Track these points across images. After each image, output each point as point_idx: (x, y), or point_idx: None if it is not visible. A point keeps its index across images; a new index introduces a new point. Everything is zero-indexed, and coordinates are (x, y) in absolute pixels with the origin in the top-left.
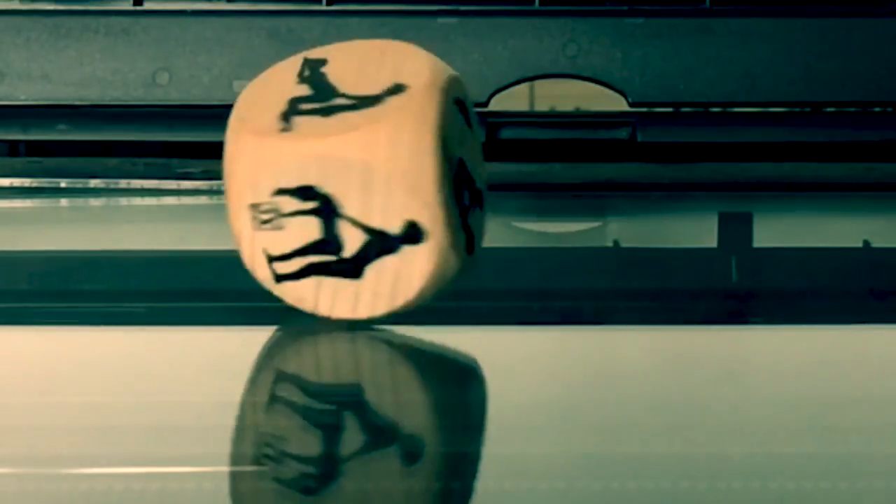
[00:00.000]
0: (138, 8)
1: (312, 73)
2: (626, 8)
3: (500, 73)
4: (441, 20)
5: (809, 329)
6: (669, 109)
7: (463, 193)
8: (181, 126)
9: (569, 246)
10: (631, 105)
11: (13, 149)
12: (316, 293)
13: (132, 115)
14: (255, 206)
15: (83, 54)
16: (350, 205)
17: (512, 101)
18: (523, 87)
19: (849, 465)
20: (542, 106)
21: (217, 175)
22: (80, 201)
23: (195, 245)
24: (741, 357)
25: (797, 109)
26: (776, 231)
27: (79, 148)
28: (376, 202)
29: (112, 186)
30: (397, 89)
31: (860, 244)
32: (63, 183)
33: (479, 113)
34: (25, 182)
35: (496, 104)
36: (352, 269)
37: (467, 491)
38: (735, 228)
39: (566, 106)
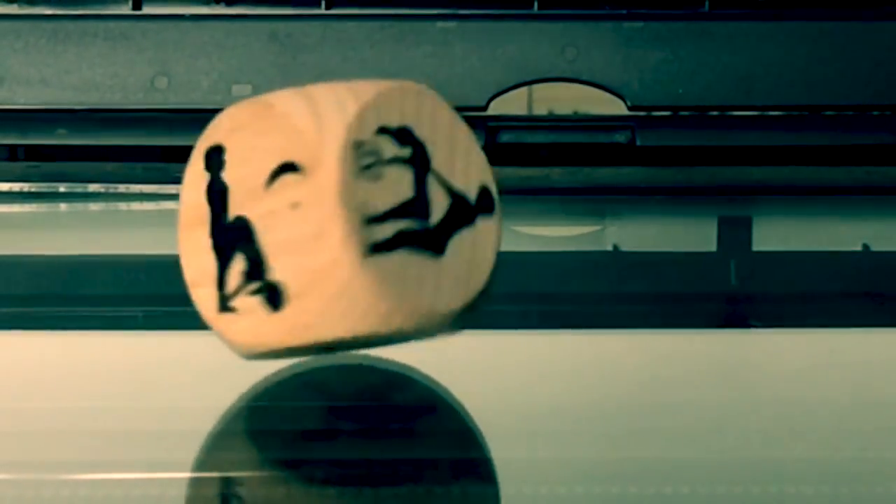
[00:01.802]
0: (137, 12)
1: None
2: (624, 11)
3: (498, 76)
4: (440, 24)
5: (809, 333)
6: (668, 113)
7: None
8: (180, 130)
9: (568, 250)
10: (630, 109)
11: (12, 153)
12: (403, 274)
13: (131, 119)
14: (359, 146)
15: (82, 59)
16: (438, 159)
17: (510, 104)
18: (521, 91)
19: (849, 468)
20: (540, 109)
21: None
22: (78, 205)
23: None
24: (741, 361)
25: (796, 113)
26: (775, 235)
27: (78, 152)
28: (459, 160)
29: (111, 191)
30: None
31: (860, 248)
32: (62, 187)
33: (477, 117)
34: (24, 186)
35: (494, 107)
36: (438, 241)
37: (465, 495)
38: (734, 232)
39: (564, 109)
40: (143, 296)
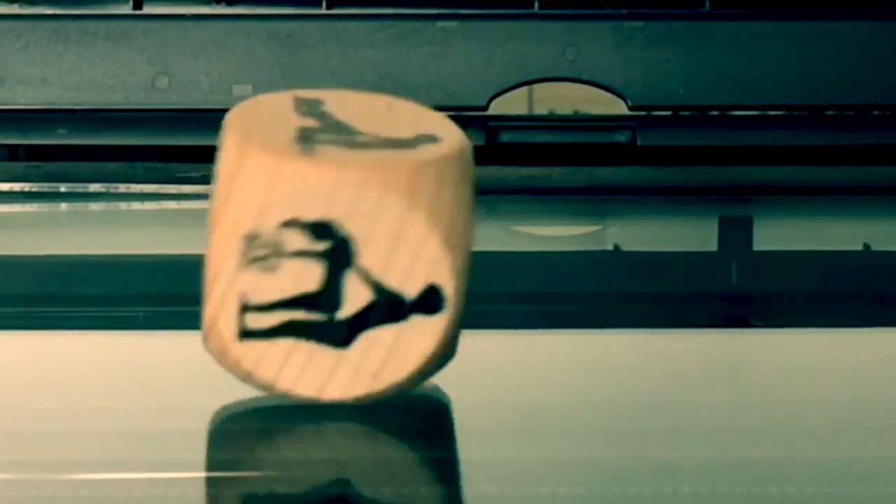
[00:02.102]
0: (138, 12)
1: (313, 109)
2: (625, 11)
3: (499, 76)
4: (441, 23)
5: (810, 332)
6: (669, 113)
7: None
8: (181, 130)
9: (568, 250)
10: (630, 108)
11: (13, 153)
12: (282, 360)
13: (132, 119)
14: (251, 238)
15: (83, 58)
16: (369, 254)
17: (510, 104)
18: (522, 90)
19: (850, 468)
20: (540, 109)
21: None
22: (79, 205)
23: (195, 249)
24: (742, 361)
25: (797, 113)
26: (776, 234)
27: (78, 152)
28: (402, 256)
29: (112, 191)
30: (428, 139)
31: (860, 247)
32: (63, 187)
33: (478, 117)
34: (25, 186)
35: (495, 107)
36: (341, 334)
37: (465, 496)
38: (735, 232)
39: (565, 109)
40: (143, 296)
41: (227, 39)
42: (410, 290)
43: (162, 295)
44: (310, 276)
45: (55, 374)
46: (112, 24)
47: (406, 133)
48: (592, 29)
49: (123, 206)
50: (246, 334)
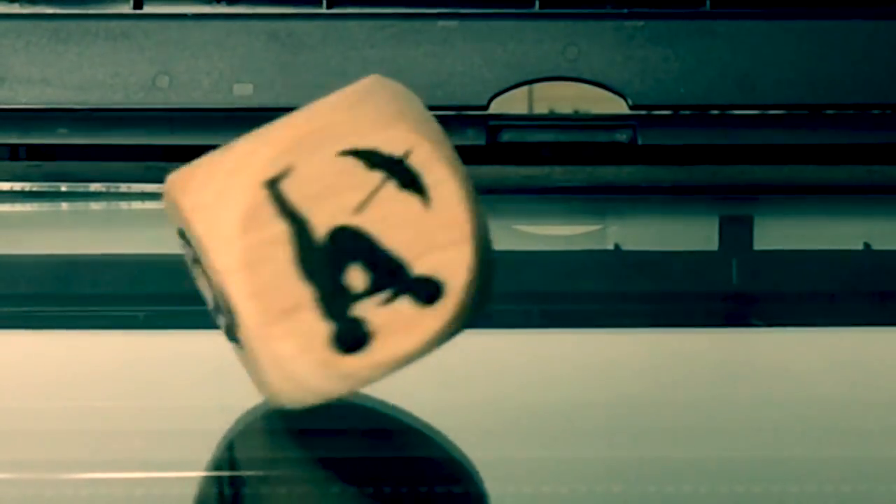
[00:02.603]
0: (138, 11)
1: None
2: (626, 10)
3: (500, 76)
4: (441, 23)
5: (811, 332)
6: (669, 112)
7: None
8: (181, 129)
9: (569, 249)
10: (631, 108)
11: (14, 152)
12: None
13: (132, 118)
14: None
15: (83, 58)
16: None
17: (511, 103)
18: (522, 90)
19: (851, 467)
20: (541, 108)
21: None
22: (80, 205)
23: None
24: (742, 360)
25: (797, 112)
26: (777, 233)
27: (79, 151)
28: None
29: (112, 190)
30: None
31: (861, 247)
32: (63, 186)
33: (479, 116)
34: (26, 186)
35: (495, 106)
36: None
37: (466, 495)
38: (736, 231)
39: (565, 108)
40: (144, 295)
41: (227, 39)
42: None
43: (163, 294)
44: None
45: (56, 373)
46: (113, 23)
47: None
48: (593, 28)
49: (124, 205)
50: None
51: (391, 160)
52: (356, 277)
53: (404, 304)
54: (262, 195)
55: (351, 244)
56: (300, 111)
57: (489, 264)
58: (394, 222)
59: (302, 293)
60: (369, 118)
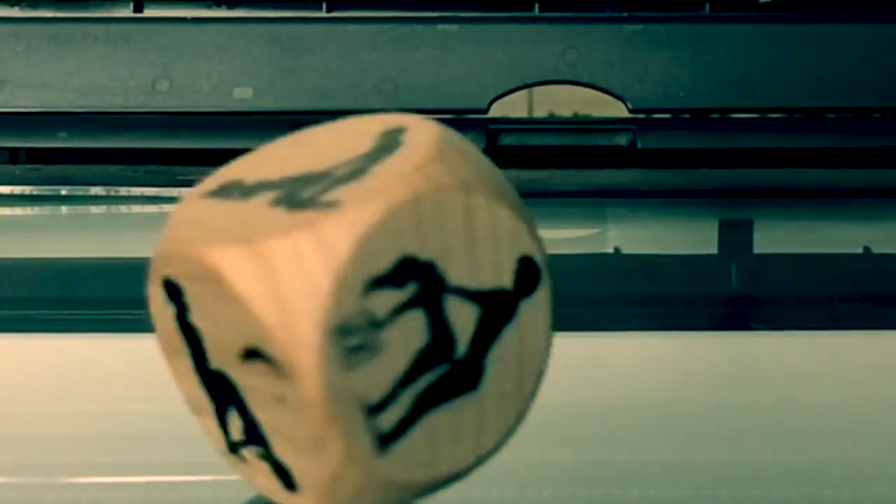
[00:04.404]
0: (138, 15)
1: (230, 186)
2: (625, 14)
3: (500, 79)
4: (441, 27)
5: (810, 335)
6: (669, 115)
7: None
8: (181, 133)
9: (569, 252)
10: (631, 111)
11: (14, 156)
12: (432, 448)
13: (132, 122)
14: (342, 331)
15: (83, 61)
16: (456, 263)
17: (510, 106)
18: (522, 93)
19: (851, 471)
20: (540, 111)
21: None
22: (80, 209)
23: None
24: (741, 363)
25: (797, 115)
26: (776, 237)
27: (79, 155)
28: (483, 246)
29: (112, 194)
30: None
31: (860, 250)
32: (63, 190)
33: (479, 119)
34: (26, 189)
35: (495, 110)
36: (468, 373)
37: (466, 498)
38: (735, 234)
39: (564, 111)
40: (144, 298)
41: (227, 42)
42: (506, 276)
43: None
44: (414, 331)
45: (56, 377)
46: (113, 27)
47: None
48: (592, 32)
49: (124, 209)
50: (387, 440)
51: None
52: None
53: None
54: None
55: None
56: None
57: None
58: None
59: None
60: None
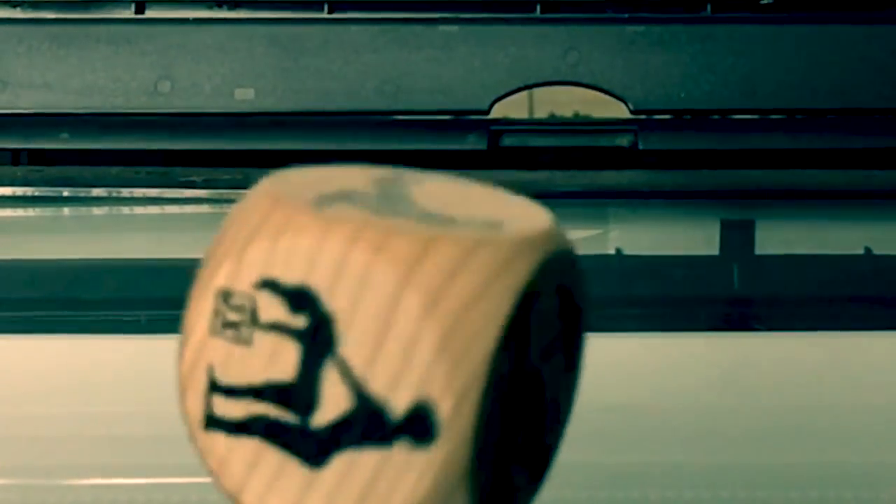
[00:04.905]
0: (140, 16)
1: (386, 184)
2: (626, 15)
3: (501, 80)
4: (442, 28)
5: (811, 336)
6: (670, 116)
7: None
8: (183, 134)
9: None
10: (632, 112)
11: (15, 157)
12: (248, 468)
13: (134, 123)
14: (224, 295)
15: (85, 63)
16: (353, 342)
17: (511, 107)
18: (523, 94)
19: (853, 472)
20: (541, 112)
21: (219, 183)
22: (82, 210)
23: (197, 253)
24: (743, 364)
25: (798, 116)
26: (778, 238)
27: (81, 156)
28: (392, 355)
29: (114, 195)
30: (494, 224)
31: (862, 251)
32: (65, 192)
33: (480, 121)
34: (28, 191)
35: (496, 111)
36: (314, 448)
37: None
38: (737, 235)
39: (565, 111)
40: (146, 299)
41: (229, 43)
42: (397, 403)
43: (164, 298)
44: (285, 360)
45: (57, 378)
46: (114, 28)
47: (478, 214)
48: (594, 33)
49: (126, 210)
50: (212, 422)
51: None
52: None
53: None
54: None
55: None
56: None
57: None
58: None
59: None
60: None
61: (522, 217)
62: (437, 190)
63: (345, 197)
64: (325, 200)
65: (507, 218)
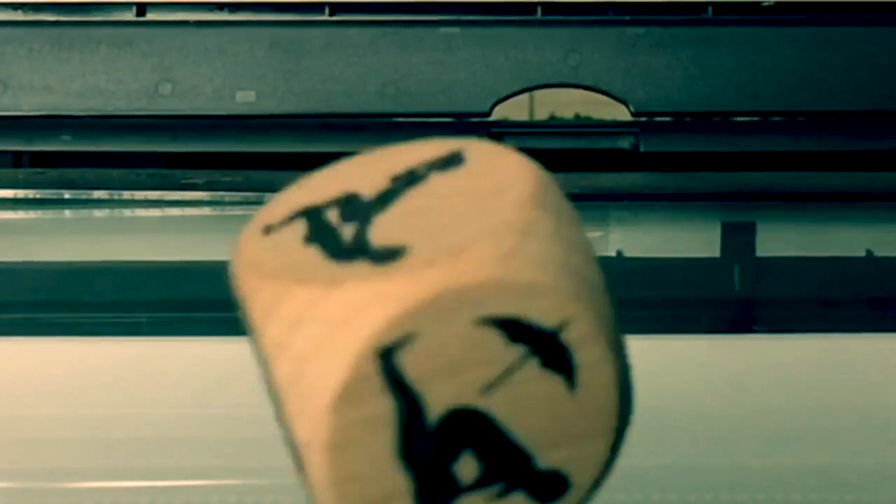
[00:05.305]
0: (141, 19)
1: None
2: (627, 17)
3: (502, 82)
4: (443, 30)
5: (813, 338)
6: (671, 118)
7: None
8: (184, 137)
9: None
10: (633, 114)
11: (17, 160)
12: None
13: (135, 125)
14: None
15: (86, 65)
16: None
17: (512, 109)
18: (524, 96)
19: (852, 474)
20: (542, 115)
21: (221, 186)
22: (83, 212)
23: (198, 256)
24: (744, 366)
25: (799, 119)
26: (779, 240)
27: (82, 159)
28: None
29: (115, 197)
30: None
31: (863, 253)
32: (66, 194)
33: (481, 123)
34: (29, 193)
35: (497, 113)
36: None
37: None
38: (738, 237)
39: (566, 113)
40: (147, 302)
41: (230, 46)
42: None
43: (166, 301)
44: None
45: (58, 380)
46: (115, 30)
47: (421, 242)
48: (595, 35)
49: (127, 212)
50: None
51: (540, 334)
52: (465, 466)
53: (517, 500)
54: (371, 367)
55: (468, 429)
56: (443, 227)
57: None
58: (527, 406)
59: (397, 483)
60: (526, 273)
61: (456, 248)
62: (425, 200)
63: (307, 213)
64: (275, 226)
65: (442, 250)
